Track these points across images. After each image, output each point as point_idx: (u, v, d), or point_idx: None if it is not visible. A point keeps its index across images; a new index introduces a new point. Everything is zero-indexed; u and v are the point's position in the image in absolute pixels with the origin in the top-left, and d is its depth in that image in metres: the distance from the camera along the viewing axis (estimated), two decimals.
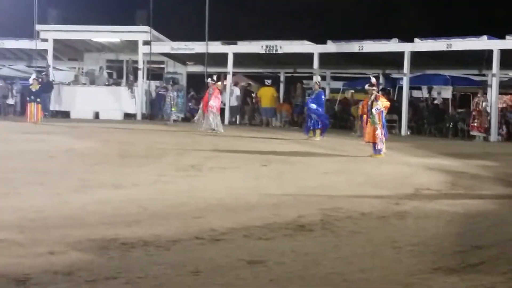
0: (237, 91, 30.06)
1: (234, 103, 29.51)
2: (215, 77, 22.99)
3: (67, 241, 6.26)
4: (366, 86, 15.67)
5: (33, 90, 24.62)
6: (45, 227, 6.94)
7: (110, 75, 33.35)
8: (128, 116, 29.91)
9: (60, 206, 8.18)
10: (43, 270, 5.27)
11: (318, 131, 19.80)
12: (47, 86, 27.07)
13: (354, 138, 21.04)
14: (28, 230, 6.74)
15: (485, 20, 31.13)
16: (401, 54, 25.84)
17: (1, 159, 13.01)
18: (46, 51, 30.72)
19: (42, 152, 14.23)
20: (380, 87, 30.35)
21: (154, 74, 32.62)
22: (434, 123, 26.32)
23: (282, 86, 31.81)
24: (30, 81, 25.42)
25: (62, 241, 6.26)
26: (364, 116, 15.61)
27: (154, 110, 30.10)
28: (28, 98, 24.96)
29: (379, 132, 14.98)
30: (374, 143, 15.11)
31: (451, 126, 25.75)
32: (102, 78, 31.72)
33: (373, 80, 15.76)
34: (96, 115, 29.73)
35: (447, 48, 24.69)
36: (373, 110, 15.06)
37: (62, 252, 5.88)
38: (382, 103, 15.23)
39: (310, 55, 27.67)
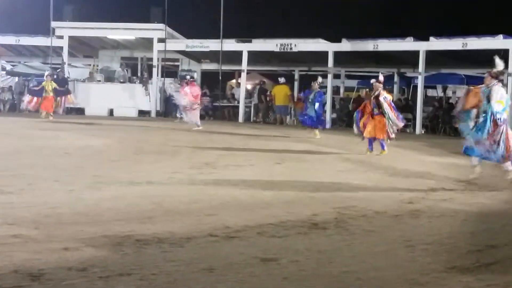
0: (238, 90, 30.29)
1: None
2: (195, 75, 23.62)
3: (81, 237, 6.29)
4: (373, 81, 15.62)
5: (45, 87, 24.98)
6: (59, 223, 6.97)
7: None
8: (143, 114, 30.00)
9: (74, 203, 8.22)
10: (57, 266, 5.29)
11: (317, 130, 19.80)
12: (62, 83, 27.20)
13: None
14: (43, 226, 6.78)
15: (501, 19, 30.94)
16: (416, 53, 25.74)
17: (16, 155, 13.08)
18: (61, 48, 30.86)
19: (57, 148, 14.30)
20: (395, 85, 30.48)
21: (169, 71, 32.67)
22: (449, 122, 26.21)
23: (296, 84, 31.77)
24: (44, 77, 25.71)
25: (76, 237, 6.28)
26: (366, 114, 15.45)
27: (168, 108, 30.15)
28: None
29: (391, 125, 14.97)
30: (381, 139, 15.10)
31: None
32: (124, 75, 31.79)
33: (381, 77, 15.72)
34: (111, 112, 29.84)
35: (463, 47, 24.56)
36: (381, 99, 15.04)
37: (77, 248, 5.90)
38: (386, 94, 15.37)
39: (325, 53, 27.61)
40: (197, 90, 22.89)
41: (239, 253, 6.01)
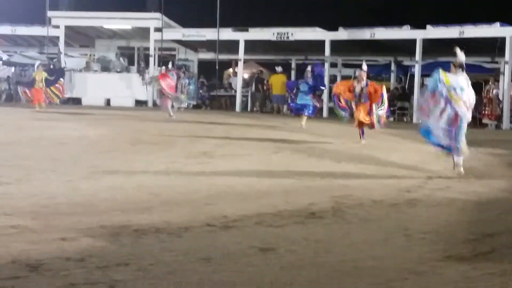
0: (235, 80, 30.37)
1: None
2: (170, 65, 23.86)
3: (79, 228, 6.30)
4: (359, 72, 15.58)
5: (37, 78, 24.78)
6: (57, 214, 6.98)
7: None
8: (139, 103, 29.96)
9: (72, 193, 8.23)
10: (55, 256, 5.30)
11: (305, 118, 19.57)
12: (59, 73, 27.07)
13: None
14: (40, 216, 6.79)
15: (498, 7, 30.92)
16: (413, 41, 25.72)
17: (13, 145, 13.06)
18: (57, 37, 30.77)
19: (54, 139, 14.28)
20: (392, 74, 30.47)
21: (166, 61, 32.59)
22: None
23: (293, 73, 31.73)
24: (36, 68, 25.50)
25: (74, 228, 6.29)
26: (350, 100, 15.39)
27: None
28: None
29: (376, 115, 14.99)
30: (370, 126, 15.14)
31: None
32: (119, 64, 31.72)
33: (365, 66, 15.66)
34: (108, 102, 29.81)
35: (460, 35, 24.51)
36: (384, 93, 15.11)
37: (74, 238, 5.91)
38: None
39: (322, 42, 27.58)
40: (172, 81, 22.92)
41: (237, 242, 6.02)
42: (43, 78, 25.02)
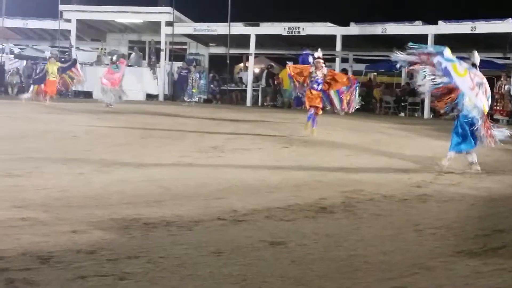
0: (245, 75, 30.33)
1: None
2: (114, 57, 24.05)
3: (89, 220, 6.31)
4: (312, 60, 15.30)
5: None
6: (68, 206, 7.00)
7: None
8: (150, 97, 29.99)
9: (83, 186, 8.25)
10: (66, 249, 5.32)
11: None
12: (72, 62, 26.90)
13: (376, 120, 20.95)
14: (51, 209, 6.81)
15: (510, 3, 30.74)
16: (424, 37, 25.59)
17: (25, 138, 13.11)
18: (69, 31, 30.85)
19: (65, 132, 14.33)
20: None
21: (177, 55, 32.63)
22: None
23: None
24: (47, 59, 25.24)
25: (85, 220, 6.31)
26: (302, 82, 15.22)
27: (176, 91, 30.12)
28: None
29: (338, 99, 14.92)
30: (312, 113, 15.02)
31: None
32: (138, 59, 31.73)
33: (320, 53, 15.37)
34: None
35: (471, 30, 24.44)
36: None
37: (85, 231, 5.92)
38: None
39: (333, 37, 27.54)
40: (116, 74, 22.92)
41: (247, 236, 6.02)
42: (58, 68, 24.70)
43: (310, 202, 7.67)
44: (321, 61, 15.16)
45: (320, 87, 14.90)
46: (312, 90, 14.92)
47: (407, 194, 8.51)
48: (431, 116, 25.68)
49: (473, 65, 10.98)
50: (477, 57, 11.05)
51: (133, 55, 31.87)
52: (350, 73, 31.44)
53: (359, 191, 8.49)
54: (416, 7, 36.02)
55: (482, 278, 5.01)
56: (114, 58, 24.62)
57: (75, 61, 26.33)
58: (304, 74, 15.14)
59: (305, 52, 17.01)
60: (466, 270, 5.20)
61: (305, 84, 15.12)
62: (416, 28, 26.17)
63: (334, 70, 26.97)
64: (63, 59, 27.16)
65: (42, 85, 24.60)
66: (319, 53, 15.33)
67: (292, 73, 15.45)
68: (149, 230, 6.07)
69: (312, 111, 14.97)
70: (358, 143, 14.35)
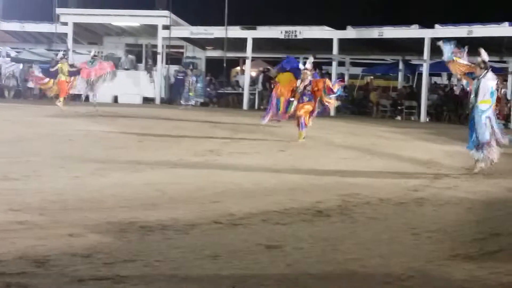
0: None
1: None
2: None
3: (86, 224, 6.31)
4: (303, 70, 15.25)
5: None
6: (64, 210, 6.99)
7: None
8: (147, 101, 29.99)
9: (79, 189, 8.24)
10: (62, 252, 5.31)
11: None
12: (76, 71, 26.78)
13: (372, 124, 20.96)
14: (48, 212, 6.80)
15: (507, 7, 30.78)
16: (421, 41, 25.66)
17: (21, 142, 13.10)
18: (66, 34, 30.84)
19: (62, 135, 14.33)
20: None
21: (173, 58, 32.63)
22: (454, 110, 26.15)
23: None
24: (59, 59, 24.94)
25: (81, 224, 6.31)
26: (295, 99, 15.08)
27: (173, 95, 30.11)
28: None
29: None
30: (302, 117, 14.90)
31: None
32: (128, 62, 31.70)
33: (309, 65, 15.35)
34: (115, 99, 29.82)
35: (468, 34, 24.44)
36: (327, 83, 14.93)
37: (81, 234, 5.92)
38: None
39: (330, 41, 27.55)
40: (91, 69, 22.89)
41: (243, 240, 6.02)
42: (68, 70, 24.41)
43: (306, 206, 7.67)
44: (308, 72, 15.08)
45: (309, 98, 14.83)
46: (300, 104, 14.87)
47: (403, 198, 8.51)
48: (427, 120, 25.71)
49: (483, 62, 10.98)
50: (484, 53, 11.05)
51: (123, 58, 31.83)
52: (346, 77, 31.63)
53: (356, 195, 8.49)
54: (413, 10, 36.11)
55: (478, 282, 5.02)
56: (92, 52, 24.34)
57: (79, 71, 26.30)
58: (293, 88, 15.10)
59: (291, 59, 17.05)
60: (462, 274, 5.20)
61: (295, 97, 15.07)
62: (412, 32, 26.21)
63: (330, 74, 27.21)
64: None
65: (47, 79, 24.38)
66: (308, 64, 15.30)
67: (280, 95, 15.44)
68: (146, 234, 6.07)
69: (302, 119, 14.89)
70: (354, 147, 14.36)
